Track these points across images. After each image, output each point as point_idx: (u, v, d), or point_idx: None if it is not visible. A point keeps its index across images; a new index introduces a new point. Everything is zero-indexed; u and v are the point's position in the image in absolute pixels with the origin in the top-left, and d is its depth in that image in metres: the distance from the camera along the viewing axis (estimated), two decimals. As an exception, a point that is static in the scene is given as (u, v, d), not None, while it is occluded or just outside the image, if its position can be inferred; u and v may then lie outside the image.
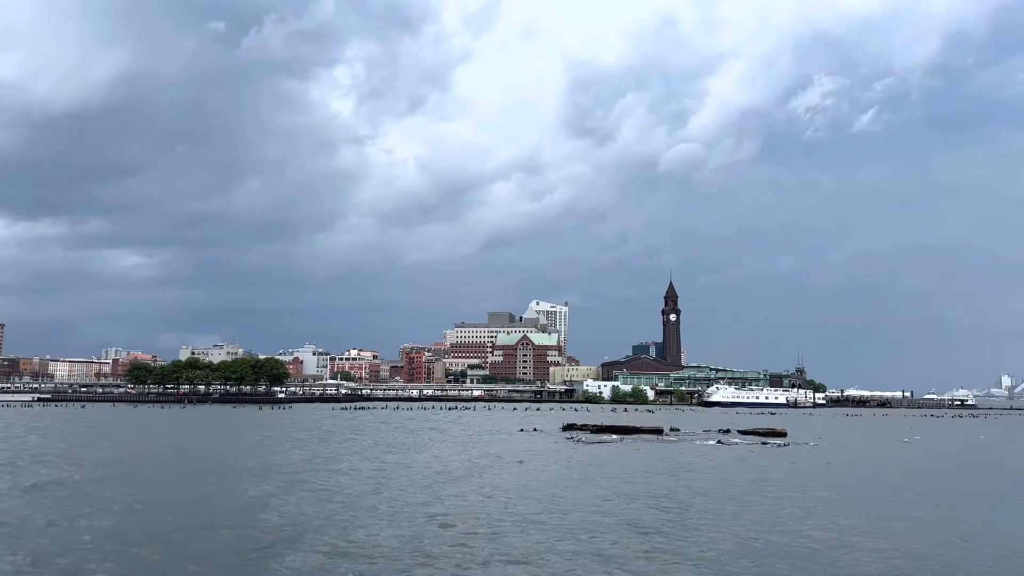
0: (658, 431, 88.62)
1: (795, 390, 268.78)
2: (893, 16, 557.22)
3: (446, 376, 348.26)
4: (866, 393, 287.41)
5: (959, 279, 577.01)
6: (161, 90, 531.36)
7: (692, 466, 53.18)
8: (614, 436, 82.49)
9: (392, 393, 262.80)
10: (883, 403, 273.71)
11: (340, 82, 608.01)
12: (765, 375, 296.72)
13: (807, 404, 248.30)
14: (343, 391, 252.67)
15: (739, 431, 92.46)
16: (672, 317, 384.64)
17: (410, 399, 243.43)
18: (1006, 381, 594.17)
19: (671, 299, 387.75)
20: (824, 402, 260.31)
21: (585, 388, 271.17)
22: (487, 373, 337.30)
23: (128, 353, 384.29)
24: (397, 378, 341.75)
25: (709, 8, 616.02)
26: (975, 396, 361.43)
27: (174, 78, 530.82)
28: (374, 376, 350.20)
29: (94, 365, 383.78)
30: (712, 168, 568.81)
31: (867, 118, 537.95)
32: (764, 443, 77.52)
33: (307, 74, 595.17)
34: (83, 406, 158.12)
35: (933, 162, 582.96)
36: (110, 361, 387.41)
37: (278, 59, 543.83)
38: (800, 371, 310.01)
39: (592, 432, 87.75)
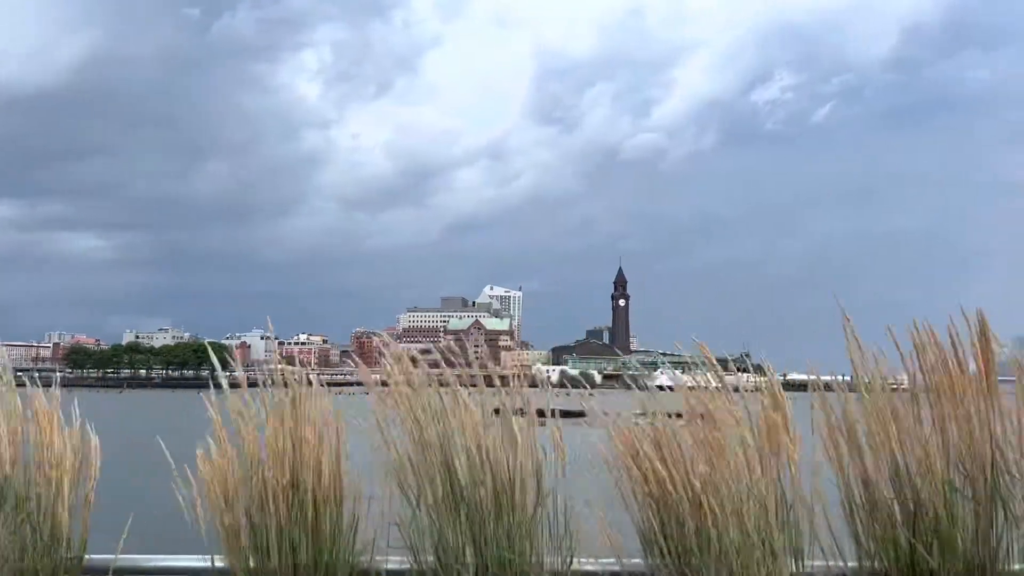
0: (582, 413, 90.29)
1: (738, 373, 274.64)
2: (855, 10, 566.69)
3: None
4: (807, 377, 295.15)
5: (911, 265, 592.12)
6: (128, 73, 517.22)
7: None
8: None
9: (339, 378, 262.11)
10: (826, 386, 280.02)
11: (307, 66, 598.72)
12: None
13: (748, 387, 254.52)
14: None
15: (665, 413, 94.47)
16: (621, 303, 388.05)
17: (358, 384, 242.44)
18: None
19: (620, 285, 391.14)
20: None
21: (534, 372, 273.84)
22: (438, 358, 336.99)
23: (72, 337, 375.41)
24: (347, 363, 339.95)
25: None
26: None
27: (143, 61, 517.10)
28: (323, 361, 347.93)
29: (33, 349, 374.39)
30: (674, 157, 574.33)
31: (824, 111, 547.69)
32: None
33: (275, 57, 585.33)
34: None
35: (888, 153, 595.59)
36: (51, 345, 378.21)
37: (247, 44, 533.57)
38: (745, 355, 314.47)
39: (520, 415, 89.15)
